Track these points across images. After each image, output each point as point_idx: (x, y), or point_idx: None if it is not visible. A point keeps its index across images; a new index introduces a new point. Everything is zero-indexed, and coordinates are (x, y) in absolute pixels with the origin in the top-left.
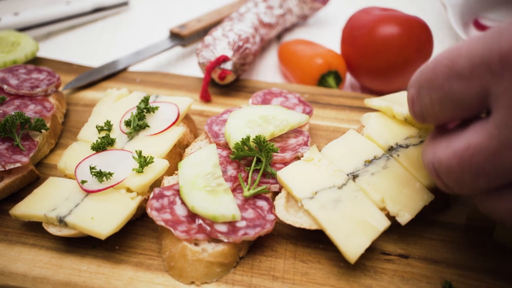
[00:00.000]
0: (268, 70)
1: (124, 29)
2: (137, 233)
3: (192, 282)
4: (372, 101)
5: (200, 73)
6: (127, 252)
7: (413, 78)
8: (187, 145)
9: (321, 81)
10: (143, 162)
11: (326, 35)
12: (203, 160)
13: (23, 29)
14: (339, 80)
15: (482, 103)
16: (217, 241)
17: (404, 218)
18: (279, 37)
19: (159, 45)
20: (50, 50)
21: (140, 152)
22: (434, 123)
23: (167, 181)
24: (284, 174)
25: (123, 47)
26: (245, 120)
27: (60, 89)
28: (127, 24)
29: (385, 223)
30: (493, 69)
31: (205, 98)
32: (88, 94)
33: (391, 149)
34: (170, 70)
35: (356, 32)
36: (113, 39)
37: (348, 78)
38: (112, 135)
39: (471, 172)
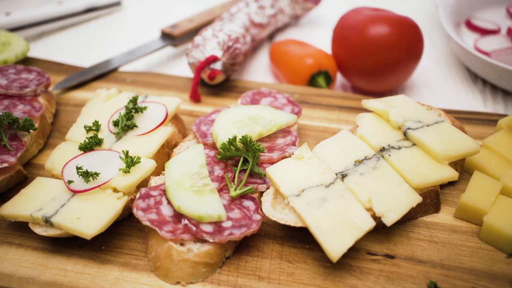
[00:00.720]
0: (259, 70)
1: (117, 29)
2: (124, 233)
3: (178, 282)
4: (369, 103)
5: (190, 73)
6: (114, 252)
7: None
8: (175, 145)
9: (312, 81)
10: (130, 162)
11: (318, 35)
12: (190, 160)
13: (15, 29)
14: (329, 80)
15: None
16: (203, 241)
17: (389, 219)
18: (271, 37)
19: (151, 45)
20: (42, 50)
21: (127, 152)
22: None
23: (154, 181)
24: (273, 171)
25: (115, 47)
26: (232, 120)
27: (50, 89)
28: (119, 24)
29: (370, 223)
30: None
31: (195, 98)
32: (78, 94)
33: (382, 150)
34: (161, 70)
35: (347, 32)
36: (106, 39)
37: (339, 78)
38: (100, 135)
39: None
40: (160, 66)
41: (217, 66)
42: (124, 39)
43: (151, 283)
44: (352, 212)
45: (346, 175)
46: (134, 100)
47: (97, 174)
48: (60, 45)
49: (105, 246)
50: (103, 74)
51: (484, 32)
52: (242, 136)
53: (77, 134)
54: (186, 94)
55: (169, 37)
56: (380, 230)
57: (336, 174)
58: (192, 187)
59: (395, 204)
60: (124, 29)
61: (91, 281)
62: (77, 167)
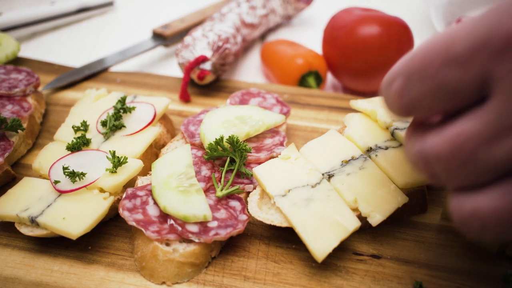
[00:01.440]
0: (250, 70)
1: (109, 29)
2: (110, 233)
3: (163, 282)
4: (357, 103)
5: (181, 74)
6: (100, 252)
7: (397, 69)
8: (163, 145)
9: (302, 81)
10: (117, 162)
11: (310, 35)
12: (176, 160)
13: (6, 29)
14: (319, 81)
15: (479, 90)
16: (189, 241)
17: (375, 219)
18: (263, 37)
19: (142, 45)
20: (34, 50)
21: (114, 152)
22: (421, 116)
23: (141, 181)
24: (259, 171)
25: (107, 47)
26: (220, 121)
27: (40, 89)
28: (112, 25)
29: (355, 224)
30: (494, 51)
31: (185, 98)
32: (68, 94)
33: (370, 150)
34: (152, 70)
35: (337, 32)
36: (98, 40)
37: (331, 78)
38: (88, 136)
39: (460, 159)
40: (151, 66)
41: (207, 66)
42: (117, 39)
43: (137, 283)
44: (338, 212)
45: (333, 175)
46: (122, 100)
47: (83, 174)
48: (52, 45)
49: (92, 246)
50: (93, 74)
51: None
52: (229, 136)
53: (65, 134)
54: (176, 94)
55: (160, 37)
56: (367, 230)
57: (323, 174)
58: (178, 187)
59: (381, 204)
60: (116, 29)
61: (77, 281)
62: (63, 167)
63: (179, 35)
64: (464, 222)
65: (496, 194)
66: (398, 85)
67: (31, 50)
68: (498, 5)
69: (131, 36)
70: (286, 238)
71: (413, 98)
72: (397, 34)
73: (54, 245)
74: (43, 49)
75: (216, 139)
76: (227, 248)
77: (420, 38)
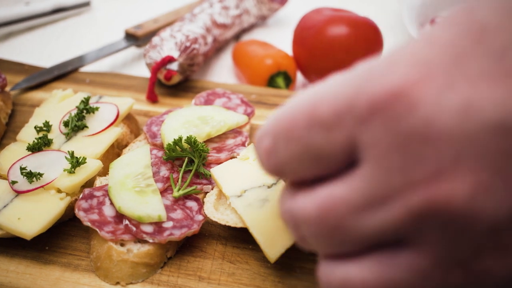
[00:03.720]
0: (223, 71)
1: (85, 30)
2: (69, 233)
3: (118, 283)
4: None
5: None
6: (57, 252)
7: (267, 126)
8: (126, 146)
9: (271, 82)
10: (75, 162)
11: (285, 35)
12: (135, 161)
13: None
14: (289, 81)
15: (348, 156)
16: (143, 241)
17: None
18: (237, 37)
19: (114, 45)
20: (9, 51)
21: (72, 152)
22: (292, 179)
23: (100, 181)
24: (217, 171)
25: (82, 48)
26: (182, 121)
27: (8, 89)
28: (88, 25)
29: None
30: (359, 116)
31: (152, 98)
32: (36, 95)
33: None
34: (124, 71)
35: (306, 33)
36: (73, 40)
37: (302, 79)
38: (50, 136)
39: (328, 226)
40: (123, 66)
41: (173, 66)
42: (93, 39)
43: (91, 284)
44: None
45: None
46: (86, 101)
47: (40, 174)
48: (27, 46)
49: (49, 246)
50: (63, 74)
51: None
52: (187, 137)
53: (28, 134)
54: (144, 95)
55: (133, 38)
56: None
57: None
58: (135, 188)
59: None
60: (93, 30)
61: (32, 281)
62: (21, 167)
63: (152, 36)
64: None
65: (367, 266)
66: (267, 145)
67: (6, 51)
68: (367, 63)
69: (107, 36)
70: (244, 238)
71: (280, 160)
72: (365, 34)
73: (11, 245)
74: (17, 49)
75: (174, 139)
76: (183, 249)
77: (394, 39)
